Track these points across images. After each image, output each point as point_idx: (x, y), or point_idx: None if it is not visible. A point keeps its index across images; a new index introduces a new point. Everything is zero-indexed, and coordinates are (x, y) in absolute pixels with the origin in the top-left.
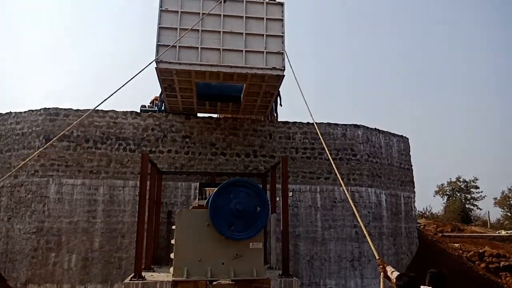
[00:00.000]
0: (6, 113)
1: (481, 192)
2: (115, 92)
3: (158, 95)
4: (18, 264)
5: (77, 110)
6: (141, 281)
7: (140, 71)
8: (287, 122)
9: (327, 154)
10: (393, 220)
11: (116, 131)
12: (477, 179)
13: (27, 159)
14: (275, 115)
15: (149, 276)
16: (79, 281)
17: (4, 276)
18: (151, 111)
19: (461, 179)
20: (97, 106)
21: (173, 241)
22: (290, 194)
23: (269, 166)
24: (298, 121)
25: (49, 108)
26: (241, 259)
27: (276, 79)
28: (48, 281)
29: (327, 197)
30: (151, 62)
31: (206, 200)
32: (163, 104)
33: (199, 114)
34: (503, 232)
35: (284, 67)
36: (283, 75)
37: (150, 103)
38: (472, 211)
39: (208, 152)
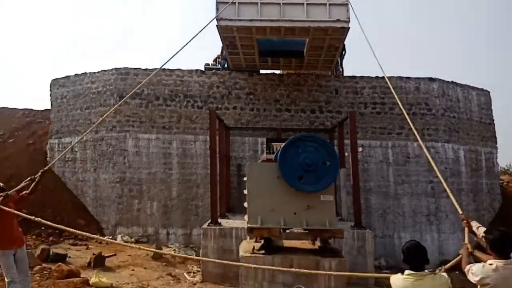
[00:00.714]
0: (82, 73)
1: None
2: (180, 50)
3: (220, 53)
4: (107, 209)
5: (146, 69)
6: (218, 227)
7: (201, 30)
8: (354, 77)
9: (399, 109)
10: (473, 176)
11: (183, 89)
12: None
13: (104, 116)
14: (341, 69)
15: (224, 222)
16: (161, 225)
17: (97, 219)
18: (215, 69)
19: None
20: (163, 65)
21: (245, 191)
22: (360, 149)
23: (336, 122)
24: (366, 75)
25: (120, 68)
26: (313, 210)
27: (341, 32)
28: (134, 225)
29: (399, 153)
30: (212, 20)
31: (274, 154)
32: (226, 62)
33: (262, 71)
34: None
35: (349, 18)
36: (348, 28)
37: (213, 61)
38: None
39: (272, 108)
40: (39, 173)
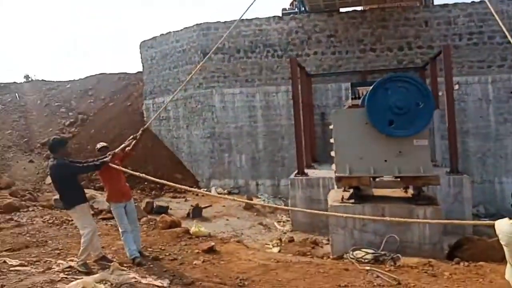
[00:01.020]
0: (167, 33)
1: None
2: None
3: None
4: (200, 163)
5: (225, 22)
6: (305, 177)
7: None
8: (446, 5)
9: (500, 37)
10: None
11: (262, 38)
12: None
13: (193, 73)
14: None
15: (311, 173)
16: (250, 177)
17: (192, 173)
18: (292, 13)
19: None
20: (242, 15)
21: (331, 140)
22: (456, 87)
23: (428, 59)
24: (460, 2)
25: (200, 23)
26: (405, 157)
27: None
28: (226, 177)
29: (501, 88)
30: None
31: (361, 99)
32: (302, 3)
33: (342, 10)
34: None
35: None
36: None
37: (290, 5)
38: None
39: (355, 49)
40: (140, 132)
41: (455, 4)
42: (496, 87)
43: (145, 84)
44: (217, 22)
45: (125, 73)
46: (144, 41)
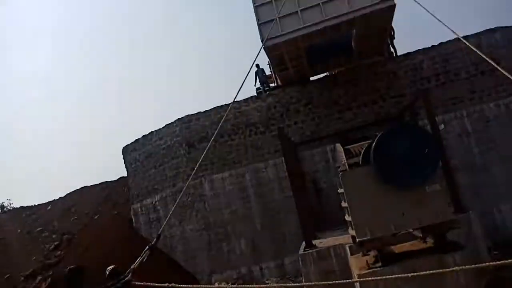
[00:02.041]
0: (149, 133)
1: None
2: (239, 90)
3: (256, 73)
4: (198, 258)
5: (205, 112)
6: (315, 250)
7: (255, 60)
8: (409, 53)
9: (465, 72)
10: None
11: (243, 119)
12: None
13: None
14: (393, 50)
15: (318, 243)
16: (253, 262)
17: (190, 271)
18: (267, 90)
19: None
20: (235, 98)
21: (344, 204)
22: (441, 126)
23: (402, 106)
24: (421, 48)
25: (182, 117)
26: (422, 205)
27: (388, 12)
28: (227, 268)
29: (477, 119)
30: (262, 46)
31: (361, 156)
32: (257, 79)
33: (312, 78)
34: None
35: None
36: (395, 4)
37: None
38: None
39: (333, 111)
40: (154, 240)
41: (417, 51)
42: (472, 119)
43: (131, 189)
44: (198, 113)
45: (106, 181)
46: (126, 145)
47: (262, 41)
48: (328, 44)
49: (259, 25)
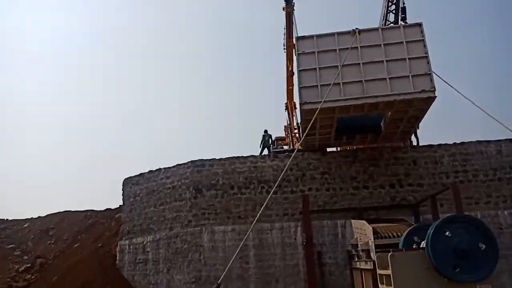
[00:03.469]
0: (156, 169)
1: None
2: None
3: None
4: None
5: (220, 159)
6: None
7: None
8: (431, 145)
9: (483, 175)
10: None
11: (257, 175)
12: None
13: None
14: (416, 139)
15: None
16: None
17: None
18: (282, 152)
19: None
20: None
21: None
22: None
23: (419, 196)
24: (443, 143)
25: (195, 160)
26: None
27: (426, 102)
28: None
29: (490, 223)
30: (302, 108)
31: (402, 240)
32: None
33: (333, 149)
34: None
35: (434, 87)
36: (435, 97)
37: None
38: None
39: (349, 186)
40: None
41: (439, 145)
42: (486, 221)
43: (123, 223)
44: (213, 159)
45: (92, 210)
46: (129, 177)
47: (300, 104)
48: (359, 120)
49: (300, 88)
